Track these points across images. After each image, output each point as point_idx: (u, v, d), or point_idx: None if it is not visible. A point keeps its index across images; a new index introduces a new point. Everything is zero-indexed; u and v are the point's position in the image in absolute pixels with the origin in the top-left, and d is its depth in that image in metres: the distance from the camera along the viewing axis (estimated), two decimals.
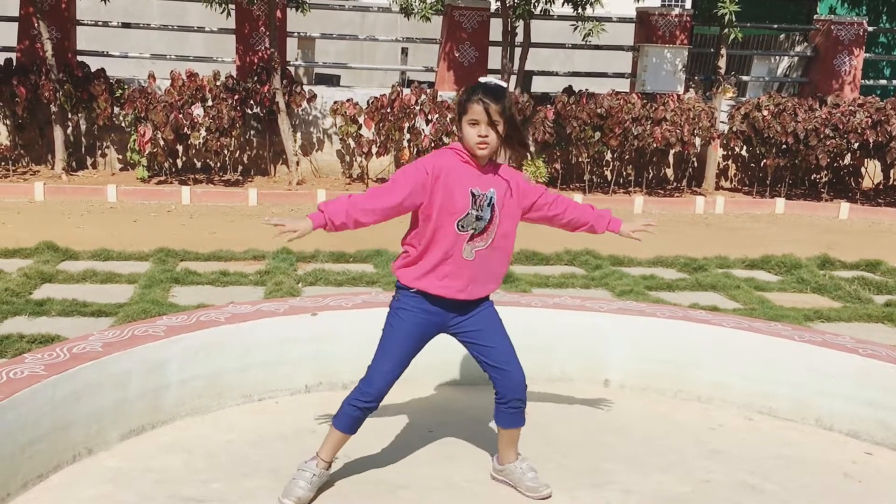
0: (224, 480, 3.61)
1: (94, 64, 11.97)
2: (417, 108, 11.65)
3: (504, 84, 3.38)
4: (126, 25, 13.53)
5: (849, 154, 13.16)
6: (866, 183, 13.89)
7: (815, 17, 15.26)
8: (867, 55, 14.83)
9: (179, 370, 4.10)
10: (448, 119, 11.57)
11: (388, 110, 11.51)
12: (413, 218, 3.45)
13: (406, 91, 11.93)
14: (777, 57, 17.45)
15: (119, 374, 3.84)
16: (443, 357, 4.68)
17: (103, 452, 3.77)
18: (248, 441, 3.97)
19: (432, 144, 11.70)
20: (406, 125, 11.63)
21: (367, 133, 11.74)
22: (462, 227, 3.35)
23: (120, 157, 12.13)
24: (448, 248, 3.36)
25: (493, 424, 4.20)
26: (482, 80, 3.38)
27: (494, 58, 12.84)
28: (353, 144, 12.02)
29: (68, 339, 4.13)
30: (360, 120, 11.68)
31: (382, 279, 7.08)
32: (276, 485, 3.58)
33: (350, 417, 3.42)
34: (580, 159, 12.38)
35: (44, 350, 3.83)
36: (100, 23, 13.08)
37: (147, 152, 11.29)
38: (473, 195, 3.34)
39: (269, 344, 4.40)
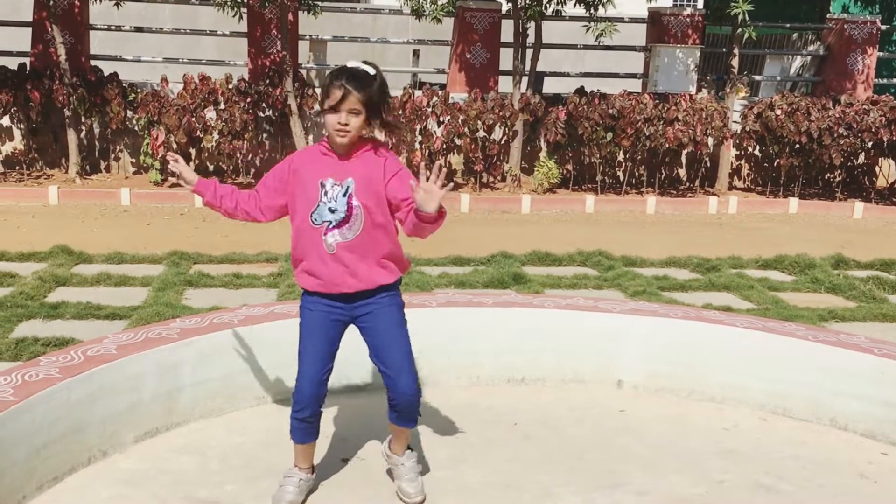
0: (238, 482, 3.62)
1: (107, 68, 12.03)
2: (429, 109, 11.65)
3: (372, 70, 3.18)
4: (139, 29, 13.59)
5: (863, 153, 13.10)
6: (880, 182, 13.80)
7: (827, 15, 15.20)
8: (880, 54, 14.75)
9: (193, 372, 4.11)
10: (460, 121, 11.57)
11: (400, 112, 11.52)
12: None
13: (418, 93, 11.94)
14: (790, 56, 17.38)
15: (133, 377, 3.86)
16: (457, 360, 4.69)
17: (118, 454, 3.79)
18: (262, 443, 3.98)
19: (444, 146, 11.71)
20: (418, 127, 11.64)
21: (379, 135, 11.72)
22: (314, 220, 3.24)
23: (133, 160, 12.19)
24: (307, 242, 3.28)
25: (506, 426, 4.20)
26: (350, 64, 3.20)
27: (506, 59, 12.83)
28: None
29: (83, 342, 4.14)
30: None
31: None
32: None
33: (297, 430, 3.41)
34: (592, 160, 12.36)
35: (59, 353, 3.85)
36: (113, 27, 13.16)
37: (160, 155, 11.34)
38: (323, 185, 3.23)
39: (282, 346, 4.40)
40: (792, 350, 4.47)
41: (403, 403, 3.38)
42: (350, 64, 3.21)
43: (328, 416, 4.30)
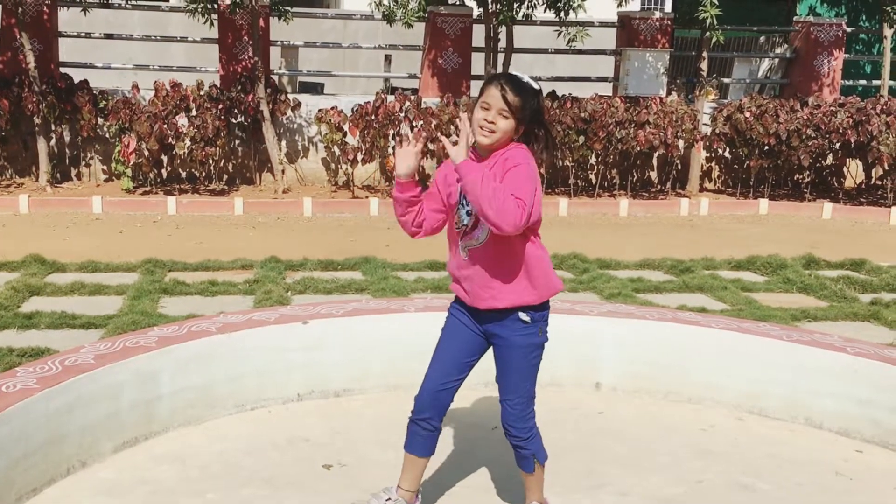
0: (218, 490, 3.61)
1: (77, 75, 11.93)
2: (402, 114, 11.66)
3: (536, 85, 3.05)
4: (108, 36, 13.49)
5: (831, 154, 13.25)
6: (848, 183, 14.00)
7: (794, 18, 15.39)
8: (847, 56, 14.95)
9: (172, 381, 4.09)
10: (433, 125, 11.59)
11: (373, 117, 11.52)
12: None
13: (390, 98, 11.95)
14: (758, 59, 17.56)
15: (112, 386, 3.84)
16: None
17: (97, 464, 3.77)
18: (242, 450, 3.97)
19: None
20: (391, 132, 11.64)
21: (352, 140, 11.74)
22: (456, 224, 3.16)
23: (104, 168, 12.09)
24: (452, 247, 3.23)
25: (485, 430, 4.22)
26: (515, 72, 3.14)
27: (478, 63, 12.88)
28: (338, 152, 12.03)
29: (60, 352, 4.11)
30: (345, 127, 11.69)
31: (371, 286, 7.08)
32: (270, 493, 3.59)
33: (411, 433, 3.27)
34: (565, 163, 12.43)
35: (36, 363, 3.82)
36: (82, 34, 13.04)
37: (132, 163, 11.27)
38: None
39: (261, 353, 4.40)
40: (767, 350, 4.53)
41: (509, 429, 3.26)
42: (515, 72, 3.14)
43: (307, 421, 4.30)
